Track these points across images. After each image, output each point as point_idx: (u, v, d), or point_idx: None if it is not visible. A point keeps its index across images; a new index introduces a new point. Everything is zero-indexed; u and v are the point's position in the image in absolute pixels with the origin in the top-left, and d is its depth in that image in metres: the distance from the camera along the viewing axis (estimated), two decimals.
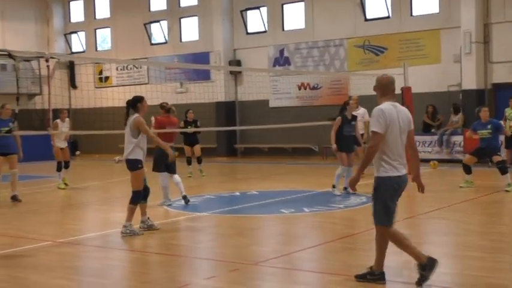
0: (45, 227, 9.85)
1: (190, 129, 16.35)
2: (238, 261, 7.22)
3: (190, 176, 16.64)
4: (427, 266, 5.97)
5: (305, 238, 8.86)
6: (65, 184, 15.25)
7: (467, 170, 13.02)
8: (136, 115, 8.88)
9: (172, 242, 8.84)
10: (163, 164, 11.20)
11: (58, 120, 14.96)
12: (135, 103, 8.96)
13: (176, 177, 11.51)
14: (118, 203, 13.14)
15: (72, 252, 8.15)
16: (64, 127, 15.08)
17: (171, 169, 11.41)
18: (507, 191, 12.31)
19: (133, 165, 8.88)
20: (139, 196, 8.98)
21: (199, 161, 17.06)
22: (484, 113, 13.01)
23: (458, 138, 18.35)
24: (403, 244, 6.16)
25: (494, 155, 12.79)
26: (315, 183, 14.79)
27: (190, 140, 17.02)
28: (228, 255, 7.77)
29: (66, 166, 15.37)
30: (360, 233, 8.71)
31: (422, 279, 5.96)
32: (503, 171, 12.51)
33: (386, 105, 6.14)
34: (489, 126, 12.86)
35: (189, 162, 16.98)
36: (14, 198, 12.83)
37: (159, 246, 8.53)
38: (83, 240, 8.88)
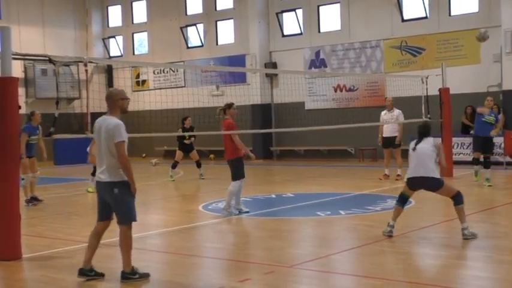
0: (83, 229, 9.96)
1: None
2: (273, 264, 7.21)
3: (172, 180, 16.78)
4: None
5: (341, 241, 8.79)
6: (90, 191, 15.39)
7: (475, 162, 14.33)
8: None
9: (208, 245, 8.87)
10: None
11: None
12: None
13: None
14: (155, 205, 13.27)
15: (109, 254, 8.22)
16: None
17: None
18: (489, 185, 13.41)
19: None
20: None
21: (198, 165, 17.23)
22: (489, 102, 14.17)
23: (498, 140, 17.98)
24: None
25: None
26: (351, 185, 14.69)
27: (187, 146, 17.14)
28: (263, 257, 7.77)
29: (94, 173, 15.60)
30: (397, 235, 8.59)
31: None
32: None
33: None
34: (493, 115, 14.00)
35: (174, 166, 17.03)
36: (35, 199, 12.99)
37: (194, 248, 8.56)
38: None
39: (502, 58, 19.07)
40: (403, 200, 8.65)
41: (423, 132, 8.66)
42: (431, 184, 8.32)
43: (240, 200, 10.91)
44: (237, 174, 10.67)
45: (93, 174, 15.39)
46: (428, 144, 8.48)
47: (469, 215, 10.06)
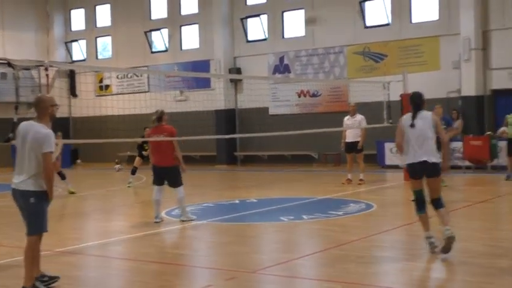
0: (43, 237, 9.85)
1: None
2: (236, 270, 7.23)
3: (129, 186, 16.65)
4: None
5: (304, 245, 8.85)
6: (72, 192, 15.35)
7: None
8: None
9: (171, 251, 8.85)
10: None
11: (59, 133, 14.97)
12: None
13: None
14: (117, 211, 13.17)
15: (72, 262, 8.14)
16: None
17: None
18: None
19: None
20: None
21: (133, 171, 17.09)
22: (439, 109, 13.65)
23: (457, 145, 18.34)
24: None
25: None
26: (314, 190, 14.80)
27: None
28: (226, 263, 7.77)
29: (63, 177, 15.48)
30: (358, 239, 8.70)
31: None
32: None
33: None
34: (443, 122, 13.79)
35: (133, 172, 16.92)
36: None
37: (157, 254, 8.52)
38: (82, 250, 8.88)
39: (460, 65, 19.48)
40: (420, 203, 7.67)
41: (419, 103, 7.60)
42: (434, 170, 7.46)
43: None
44: (181, 179, 10.67)
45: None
46: (427, 122, 7.48)
47: (429, 218, 10.24)
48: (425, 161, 7.43)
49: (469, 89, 19.36)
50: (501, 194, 12.68)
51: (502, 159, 17.23)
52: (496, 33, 19.36)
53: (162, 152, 10.60)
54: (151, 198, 10.83)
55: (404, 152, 7.69)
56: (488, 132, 18.05)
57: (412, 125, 7.47)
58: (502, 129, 15.71)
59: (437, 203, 7.59)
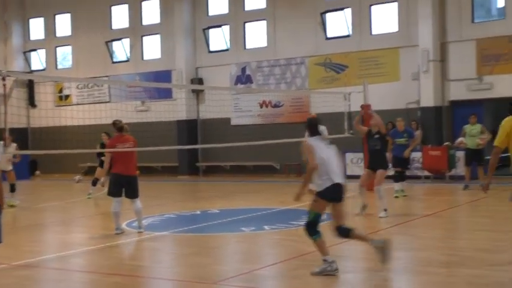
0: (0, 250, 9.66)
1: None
2: (197, 281, 7.18)
3: (89, 197, 16.47)
4: None
5: (265, 256, 8.86)
6: (11, 206, 14.90)
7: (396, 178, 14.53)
8: None
9: (132, 263, 8.75)
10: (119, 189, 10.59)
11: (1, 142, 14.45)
12: None
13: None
14: (76, 223, 12.98)
15: (29, 275, 7.98)
16: (9, 151, 14.59)
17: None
18: (396, 197, 13.99)
19: None
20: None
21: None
22: (400, 122, 14.74)
23: (417, 155, 18.62)
24: None
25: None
26: (276, 200, 14.83)
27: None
28: (187, 274, 7.73)
29: (12, 189, 15.16)
30: (317, 251, 8.72)
31: None
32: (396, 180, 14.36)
33: None
34: (405, 135, 14.57)
35: (94, 183, 16.74)
36: None
37: (118, 266, 8.42)
38: (40, 263, 8.72)
39: (419, 76, 19.80)
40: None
41: (316, 125, 7.54)
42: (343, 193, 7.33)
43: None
44: (138, 190, 10.65)
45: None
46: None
47: (388, 228, 10.38)
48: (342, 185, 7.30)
49: (428, 100, 19.69)
50: (459, 204, 12.92)
51: (460, 169, 17.56)
52: (453, 45, 19.77)
53: (127, 162, 10.52)
54: (111, 210, 10.67)
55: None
56: (447, 143, 18.37)
57: (329, 146, 7.51)
58: (460, 139, 16.01)
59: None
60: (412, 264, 7.87)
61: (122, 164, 10.51)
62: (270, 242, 9.85)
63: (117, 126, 10.78)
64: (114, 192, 10.54)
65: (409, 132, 14.77)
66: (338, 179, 7.24)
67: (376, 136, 11.69)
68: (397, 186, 14.28)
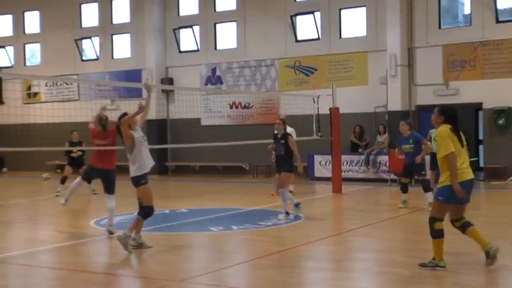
0: None
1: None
2: (164, 279, 7.27)
3: (57, 195, 16.17)
4: None
5: (233, 255, 8.97)
6: None
7: (404, 189, 13.38)
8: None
9: (100, 260, 8.78)
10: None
11: None
12: None
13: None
14: (44, 221, 12.91)
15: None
16: None
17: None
18: (400, 207, 13.09)
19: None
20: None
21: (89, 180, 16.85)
22: (403, 127, 13.25)
23: (384, 158, 18.93)
24: None
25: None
26: (244, 201, 14.94)
27: (76, 161, 16.77)
28: (154, 272, 7.80)
29: None
30: (286, 250, 8.89)
31: None
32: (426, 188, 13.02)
33: None
34: (410, 140, 13.16)
35: (63, 181, 16.53)
36: None
37: (85, 263, 8.45)
38: (5, 259, 8.70)
39: (387, 80, 20.12)
40: None
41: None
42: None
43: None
44: (115, 186, 10.76)
45: None
46: None
47: (355, 229, 10.58)
48: None
49: (395, 104, 20.01)
50: (424, 207, 13.16)
51: (427, 173, 17.83)
52: (420, 51, 20.14)
53: (107, 156, 10.88)
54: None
55: None
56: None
57: None
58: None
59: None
60: (374, 265, 8.06)
61: (99, 157, 10.86)
62: (237, 242, 9.96)
63: (102, 123, 11.09)
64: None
65: (415, 137, 13.21)
66: None
67: (282, 141, 12.03)
68: (403, 196, 13.36)
